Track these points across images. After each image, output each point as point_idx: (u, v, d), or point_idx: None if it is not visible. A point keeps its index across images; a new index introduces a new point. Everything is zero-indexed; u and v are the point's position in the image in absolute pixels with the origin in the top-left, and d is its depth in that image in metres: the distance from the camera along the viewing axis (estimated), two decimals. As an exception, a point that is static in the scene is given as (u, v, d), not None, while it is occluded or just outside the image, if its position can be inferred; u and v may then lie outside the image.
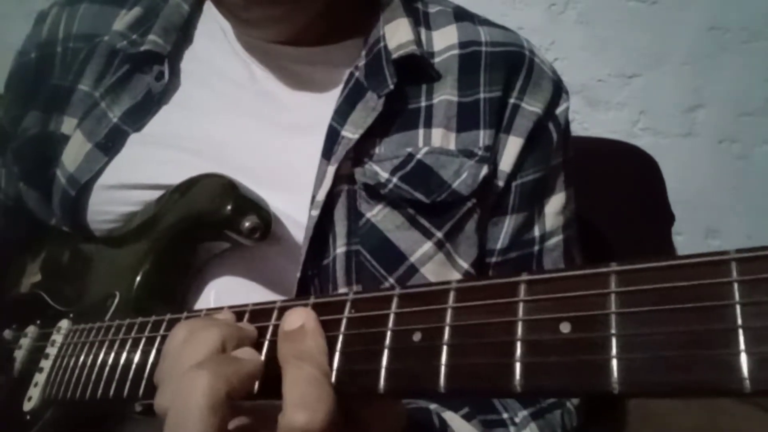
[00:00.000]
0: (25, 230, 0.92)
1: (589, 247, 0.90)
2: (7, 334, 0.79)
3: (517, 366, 0.33)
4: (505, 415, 0.71)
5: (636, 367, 0.30)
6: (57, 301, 0.78)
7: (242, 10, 0.72)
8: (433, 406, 0.65)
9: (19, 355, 0.75)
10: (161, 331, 0.57)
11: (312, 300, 0.46)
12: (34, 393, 0.69)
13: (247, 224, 0.68)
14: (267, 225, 0.69)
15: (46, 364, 0.70)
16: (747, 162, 1.58)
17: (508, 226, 0.79)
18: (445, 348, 0.36)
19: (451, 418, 0.65)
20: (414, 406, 0.63)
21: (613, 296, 0.32)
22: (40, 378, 0.69)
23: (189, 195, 0.73)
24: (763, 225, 1.59)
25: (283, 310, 0.47)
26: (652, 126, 1.62)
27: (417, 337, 0.38)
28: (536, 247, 0.80)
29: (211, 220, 0.70)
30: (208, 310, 0.55)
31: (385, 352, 0.39)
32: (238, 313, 0.52)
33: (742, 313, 0.28)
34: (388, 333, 0.40)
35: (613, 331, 0.31)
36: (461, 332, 0.36)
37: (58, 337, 0.72)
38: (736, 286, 0.28)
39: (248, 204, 0.70)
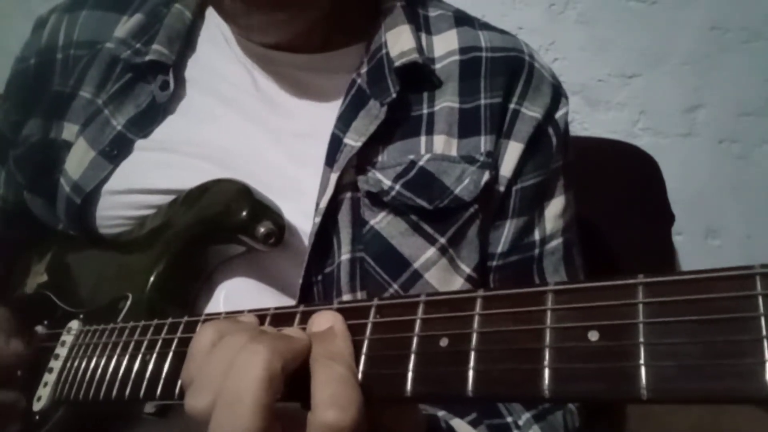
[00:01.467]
0: (26, 234, 0.92)
1: (590, 247, 0.90)
2: None
3: (546, 372, 0.34)
4: (509, 419, 0.72)
5: (664, 375, 0.31)
6: (65, 302, 0.78)
7: (243, 15, 0.72)
8: (441, 413, 0.66)
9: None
10: (178, 333, 0.57)
11: (336, 305, 0.47)
12: (44, 393, 0.69)
13: (262, 230, 0.69)
14: (281, 230, 0.70)
15: (56, 365, 0.70)
16: (747, 162, 1.59)
17: (508, 230, 0.80)
18: (473, 353, 0.37)
19: (458, 424, 0.66)
20: (424, 413, 0.64)
21: (641, 306, 0.33)
22: (49, 378, 0.70)
23: (203, 199, 0.74)
24: (763, 225, 1.60)
25: (305, 315, 0.48)
26: (652, 126, 1.62)
27: (444, 342, 0.39)
28: (537, 251, 0.81)
29: (227, 224, 0.71)
30: (228, 313, 0.56)
31: (412, 357, 0.40)
32: (260, 316, 0.52)
33: (766, 325, 0.29)
34: (415, 338, 0.40)
35: (641, 339, 0.32)
36: (489, 339, 0.37)
37: (68, 338, 0.72)
38: (760, 299, 0.29)
39: (263, 209, 0.71)
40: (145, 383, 0.57)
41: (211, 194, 0.74)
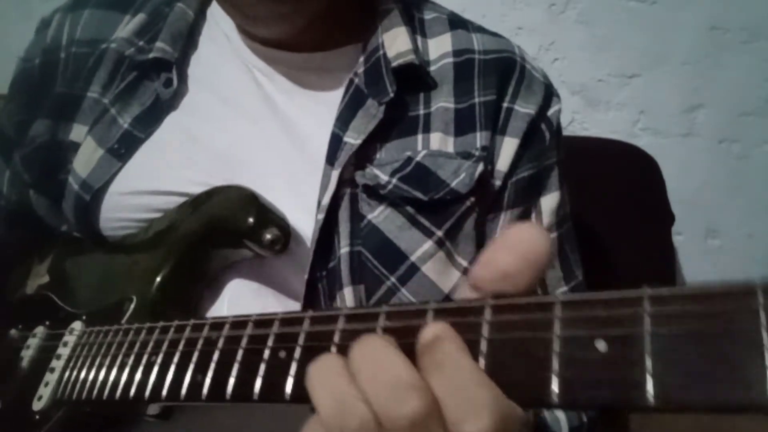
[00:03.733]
0: (28, 235, 0.92)
1: (589, 247, 0.91)
2: (13, 333, 0.79)
3: (554, 379, 0.34)
4: None
5: (670, 383, 0.31)
6: (67, 302, 0.79)
7: (249, 6, 0.73)
8: None
9: (27, 354, 0.75)
10: (186, 334, 0.57)
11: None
12: (45, 393, 0.69)
13: (268, 236, 0.70)
14: (287, 237, 0.72)
15: (57, 365, 0.70)
16: (747, 162, 1.59)
17: (503, 221, 0.81)
18: (482, 360, 0.37)
19: None
20: None
21: (647, 318, 0.33)
22: (51, 378, 0.70)
23: (210, 205, 0.75)
24: (763, 225, 1.60)
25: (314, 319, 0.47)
26: (652, 126, 1.62)
27: None
28: None
29: (233, 230, 0.72)
30: (235, 317, 0.55)
31: None
32: (268, 320, 0.51)
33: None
34: None
35: (647, 349, 0.32)
36: (498, 346, 0.37)
37: (70, 338, 0.72)
38: (761, 312, 0.30)
39: (270, 216, 0.72)
40: (150, 384, 0.57)
41: (219, 200, 0.75)
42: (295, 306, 0.76)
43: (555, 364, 0.35)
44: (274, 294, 0.77)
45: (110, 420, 0.70)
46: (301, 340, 0.47)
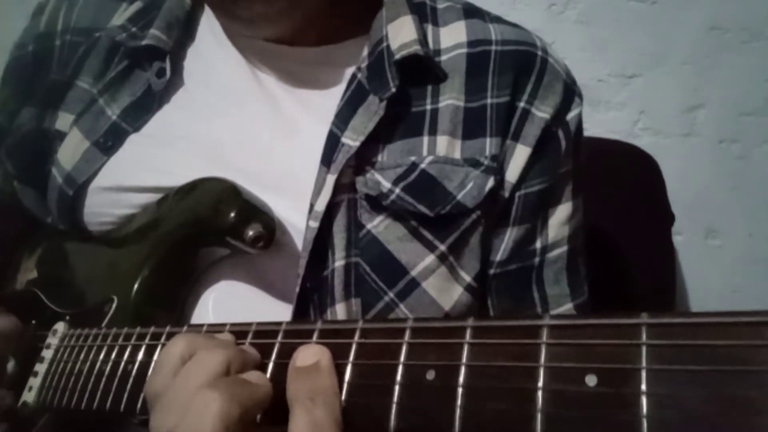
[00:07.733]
0: (19, 227, 0.91)
1: (589, 247, 0.90)
2: None
3: (539, 416, 0.32)
4: None
5: (668, 429, 0.28)
6: (53, 301, 0.77)
7: (241, 7, 0.69)
8: None
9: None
10: (162, 340, 0.56)
11: (320, 325, 0.45)
12: (29, 397, 0.68)
13: (251, 233, 0.67)
14: (271, 233, 0.68)
15: (41, 368, 0.69)
16: (747, 162, 1.58)
17: (509, 237, 0.77)
18: (460, 390, 0.35)
19: None
20: None
21: (644, 349, 0.30)
22: (34, 382, 0.68)
23: (191, 199, 0.71)
24: (763, 225, 1.59)
25: (289, 333, 0.46)
26: (652, 126, 1.61)
27: (431, 375, 0.37)
28: (536, 259, 0.78)
29: (214, 226, 0.68)
30: (210, 326, 0.54)
31: (397, 388, 0.38)
32: (241, 332, 0.50)
33: None
34: (400, 367, 0.38)
35: (643, 388, 0.29)
36: (478, 373, 0.35)
37: (53, 340, 0.70)
38: None
39: (252, 211, 0.68)
40: (126, 395, 0.56)
41: (199, 194, 0.71)
42: (286, 309, 0.73)
43: (539, 399, 0.32)
44: (264, 294, 0.73)
45: (96, 425, 0.68)
46: (274, 355, 0.46)
